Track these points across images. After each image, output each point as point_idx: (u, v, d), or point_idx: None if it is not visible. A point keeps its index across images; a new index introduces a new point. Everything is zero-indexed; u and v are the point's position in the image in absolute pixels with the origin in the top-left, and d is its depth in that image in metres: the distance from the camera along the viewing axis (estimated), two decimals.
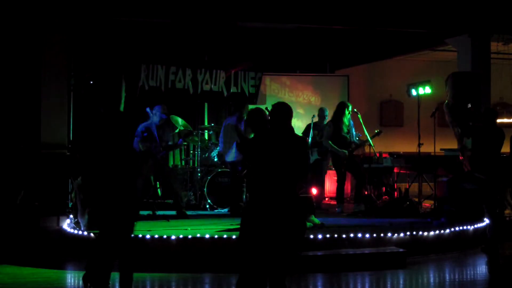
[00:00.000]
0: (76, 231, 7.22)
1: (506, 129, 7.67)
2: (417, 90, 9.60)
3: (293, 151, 4.96)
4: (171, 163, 11.16)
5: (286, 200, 4.93)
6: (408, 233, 7.20)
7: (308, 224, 7.46)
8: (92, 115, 5.44)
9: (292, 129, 5.10)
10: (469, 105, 8.88)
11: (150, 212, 8.54)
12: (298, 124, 11.66)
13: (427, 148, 9.58)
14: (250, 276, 5.02)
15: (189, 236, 6.78)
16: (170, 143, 8.79)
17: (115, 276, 5.25)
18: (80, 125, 6.16)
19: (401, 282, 6.38)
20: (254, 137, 5.27)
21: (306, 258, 6.54)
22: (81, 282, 5.42)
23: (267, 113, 5.66)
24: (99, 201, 5.22)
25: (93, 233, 6.79)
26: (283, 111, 5.06)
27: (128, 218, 5.21)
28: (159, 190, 9.90)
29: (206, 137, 11.19)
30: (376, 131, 9.50)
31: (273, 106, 5.21)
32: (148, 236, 6.79)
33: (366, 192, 9.60)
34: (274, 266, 5.04)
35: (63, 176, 8.38)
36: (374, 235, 7.05)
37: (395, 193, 10.10)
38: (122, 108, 5.38)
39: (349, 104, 9.46)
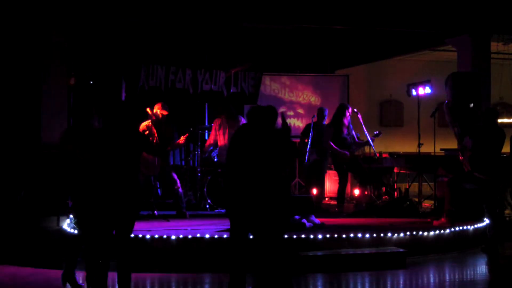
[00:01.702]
0: (76, 231, 7.20)
1: (506, 129, 7.68)
2: (417, 90, 9.60)
3: (269, 141, 5.29)
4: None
5: (262, 185, 5.14)
6: (408, 233, 7.20)
7: (308, 224, 7.47)
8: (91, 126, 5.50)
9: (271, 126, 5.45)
10: (471, 105, 8.89)
11: (150, 212, 8.53)
12: (298, 124, 11.67)
13: (427, 148, 9.59)
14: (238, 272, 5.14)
15: (189, 236, 6.78)
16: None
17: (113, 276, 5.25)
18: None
19: (401, 282, 6.38)
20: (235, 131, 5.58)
21: (306, 258, 6.54)
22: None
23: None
24: (97, 202, 5.23)
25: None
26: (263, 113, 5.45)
27: (128, 219, 5.22)
28: (159, 190, 9.90)
29: (206, 137, 11.19)
30: (375, 132, 9.49)
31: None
32: (148, 236, 6.79)
33: (366, 192, 9.60)
34: (264, 252, 5.19)
35: (64, 176, 8.36)
36: (374, 235, 7.05)
37: (395, 193, 10.10)
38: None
39: (348, 105, 9.47)
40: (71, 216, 7.99)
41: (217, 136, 9.37)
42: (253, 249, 5.38)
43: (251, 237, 5.59)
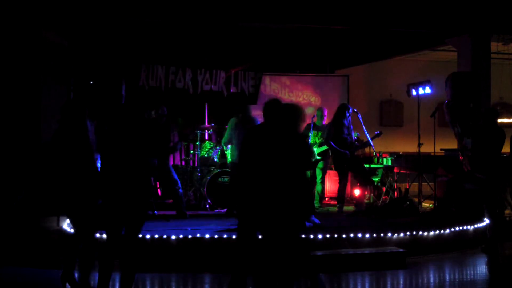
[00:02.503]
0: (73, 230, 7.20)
1: (506, 129, 7.68)
2: (417, 90, 9.60)
3: (287, 146, 5.02)
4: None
5: (281, 191, 4.99)
6: (408, 233, 7.20)
7: (308, 224, 7.46)
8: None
9: (287, 125, 5.13)
10: (471, 105, 8.90)
11: (150, 212, 8.52)
12: None
13: (427, 148, 9.58)
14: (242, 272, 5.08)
15: (189, 236, 6.78)
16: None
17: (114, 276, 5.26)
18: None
19: (401, 282, 6.38)
20: (247, 133, 5.34)
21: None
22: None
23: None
24: (108, 202, 5.22)
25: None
26: (275, 108, 5.15)
27: (137, 219, 5.22)
28: (159, 190, 9.90)
29: (206, 137, 11.18)
30: (376, 132, 9.49)
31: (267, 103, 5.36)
32: (148, 236, 6.79)
33: (366, 192, 9.60)
34: (278, 253, 5.07)
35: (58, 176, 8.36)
36: (374, 235, 7.05)
37: (395, 193, 10.10)
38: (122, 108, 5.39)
39: (349, 106, 9.48)
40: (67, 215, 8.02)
41: (233, 135, 9.33)
42: (260, 250, 5.31)
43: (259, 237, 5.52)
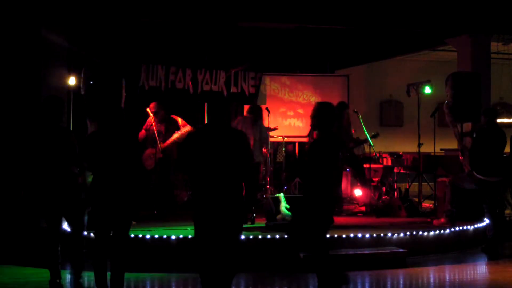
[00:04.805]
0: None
1: (506, 129, 7.68)
2: (417, 90, 9.60)
3: (233, 146, 4.81)
4: None
5: (226, 197, 4.90)
6: (408, 233, 7.20)
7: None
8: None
9: (228, 123, 4.98)
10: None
11: (150, 212, 8.53)
12: (298, 124, 11.66)
13: (427, 148, 9.58)
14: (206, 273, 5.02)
15: (189, 236, 6.78)
16: None
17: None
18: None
19: (401, 282, 6.38)
20: (191, 134, 5.09)
21: (306, 258, 6.53)
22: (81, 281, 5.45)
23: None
24: (98, 202, 5.23)
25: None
26: (220, 105, 4.85)
27: (125, 219, 5.23)
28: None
29: None
30: (373, 133, 9.48)
31: (209, 100, 5.21)
32: (148, 236, 6.79)
33: (366, 192, 9.57)
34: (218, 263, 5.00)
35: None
36: (374, 235, 7.05)
37: (395, 193, 10.09)
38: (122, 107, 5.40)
39: (347, 104, 9.49)
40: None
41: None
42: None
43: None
